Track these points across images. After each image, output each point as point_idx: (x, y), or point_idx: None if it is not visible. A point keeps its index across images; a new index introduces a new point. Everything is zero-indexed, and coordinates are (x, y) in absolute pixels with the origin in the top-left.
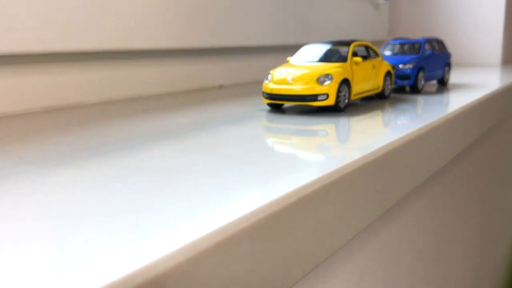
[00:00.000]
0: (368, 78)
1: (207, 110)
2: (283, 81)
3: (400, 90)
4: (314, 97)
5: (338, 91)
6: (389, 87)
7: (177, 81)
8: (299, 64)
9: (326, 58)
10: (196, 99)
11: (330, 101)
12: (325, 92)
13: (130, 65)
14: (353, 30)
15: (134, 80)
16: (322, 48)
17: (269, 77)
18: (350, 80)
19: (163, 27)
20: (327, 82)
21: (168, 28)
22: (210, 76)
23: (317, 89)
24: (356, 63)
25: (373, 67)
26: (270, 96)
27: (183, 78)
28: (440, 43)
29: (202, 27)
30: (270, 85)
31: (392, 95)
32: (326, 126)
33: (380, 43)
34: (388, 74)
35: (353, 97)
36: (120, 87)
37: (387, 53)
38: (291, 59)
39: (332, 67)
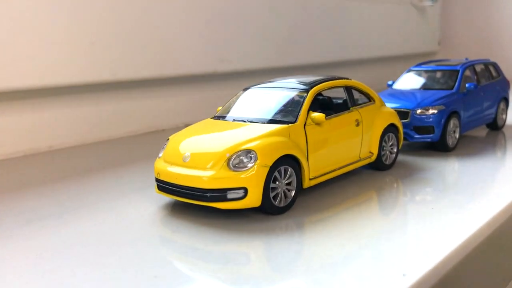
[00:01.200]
0: (344, 143)
1: None
2: (177, 159)
3: (421, 145)
4: (220, 194)
5: (270, 179)
6: (394, 149)
7: None
8: (222, 124)
9: (271, 114)
10: None
11: (251, 201)
12: (240, 185)
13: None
14: (397, 42)
15: None
16: (268, 95)
17: (165, 146)
18: (300, 155)
19: None
20: (243, 167)
21: None
22: None
23: (225, 179)
24: (318, 123)
25: (357, 123)
26: (159, 183)
27: None
28: (491, 67)
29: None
30: (160, 164)
31: (402, 158)
32: (236, 252)
33: (430, 55)
34: (391, 129)
35: (309, 183)
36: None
37: (402, 87)
38: (224, 110)
39: (264, 135)
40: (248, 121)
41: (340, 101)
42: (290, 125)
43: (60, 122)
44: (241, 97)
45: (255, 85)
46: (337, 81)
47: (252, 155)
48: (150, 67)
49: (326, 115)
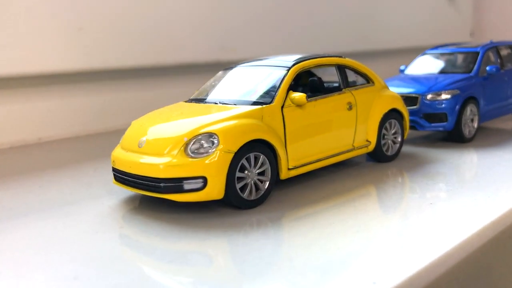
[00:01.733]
0: (333, 129)
1: None
2: (132, 145)
3: (434, 135)
4: (176, 185)
5: (235, 168)
6: (398, 138)
7: None
8: (191, 107)
9: (245, 94)
10: None
11: (212, 193)
12: (199, 173)
13: None
14: (427, 31)
15: None
16: (248, 75)
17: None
18: (275, 141)
19: None
20: (203, 153)
21: None
22: None
23: (180, 167)
24: (299, 105)
25: (349, 106)
26: (115, 172)
27: None
28: None
29: None
30: (116, 151)
31: (410, 149)
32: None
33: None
34: (393, 115)
35: (288, 173)
36: None
37: (415, 72)
38: (200, 92)
39: (230, 117)
40: (220, 103)
41: (333, 85)
42: (264, 106)
43: (51, 113)
44: (219, 77)
45: (237, 64)
46: (325, 58)
47: (214, 140)
48: (148, 55)
49: (312, 97)
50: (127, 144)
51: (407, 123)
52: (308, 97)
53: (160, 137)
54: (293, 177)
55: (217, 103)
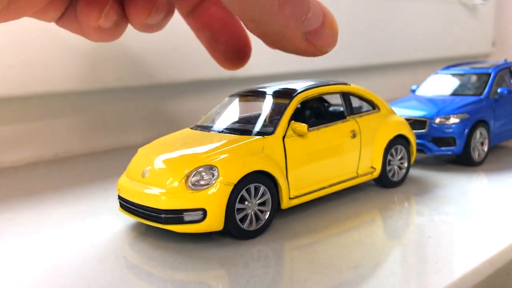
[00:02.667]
0: (336, 157)
1: None
2: (137, 174)
3: (444, 158)
4: (177, 216)
5: (235, 200)
6: (404, 164)
7: None
8: (195, 135)
9: (248, 124)
10: None
11: (212, 224)
12: (199, 205)
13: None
14: (444, 43)
15: None
16: (252, 103)
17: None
18: (276, 172)
19: None
20: (204, 185)
21: None
22: None
23: (181, 199)
24: (300, 135)
25: (353, 134)
26: (120, 200)
27: None
28: None
29: None
30: (122, 179)
31: (419, 173)
32: None
33: (483, 57)
34: (399, 141)
35: (290, 202)
36: None
37: (426, 93)
38: (206, 119)
39: (231, 149)
40: (224, 131)
41: (339, 109)
42: (265, 137)
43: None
44: (225, 104)
45: (241, 91)
46: (329, 87)
47: (214, 172)
48: (165, 72)
49: (315, 125)
50: (132, 173)
51: (413, 149)
52: (312, 123)
53: (162, 168)
54: (299, 206)
55: (221, 132)
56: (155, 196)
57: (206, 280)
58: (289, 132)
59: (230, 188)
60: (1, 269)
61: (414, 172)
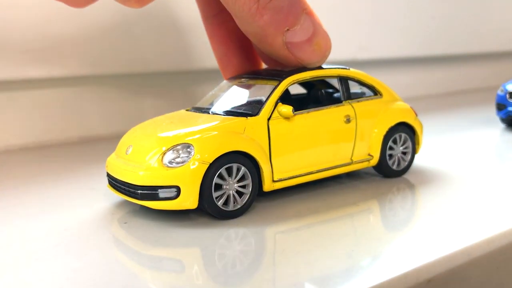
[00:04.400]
0: (327, 142)
1: None
2: (122, 151)
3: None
4: (152, 193)
5: (211, 179)
6: (408, 154)
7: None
8: (185, 116)
9: (233, 105)
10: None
11: (185, 202)
12: (172, 183)
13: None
14: None
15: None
16: (246, 86)
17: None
18: (257, 153)
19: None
20: (179, 163)
21: None
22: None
23: (156, 176)
24: (286, 117)
25: (347, 119)
26: (108, 177)
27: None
28: None
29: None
30: (111, 156)
31: (423, 162)
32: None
33: None
34: (402, 129)
35: (273, 185)
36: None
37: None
38: (203, 101)
39: (210, 128)
40: (212, 113)
41: (337, 94)
42: (248, 118)
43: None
44: (221, 87)
45: (238, 75)
46: (324, 70)
47: (190, 150)
48: None
49: (307, 108)
50: (119, 150)
51: (419, 138)
52: (304, 107)
53: (143, 145)
54: (285, 190)
55: (209, 113)
56: (133, 172)
57: (181, 258)
58: (275, 114)
59: (205, 166)
60: None
61: (423, 162)
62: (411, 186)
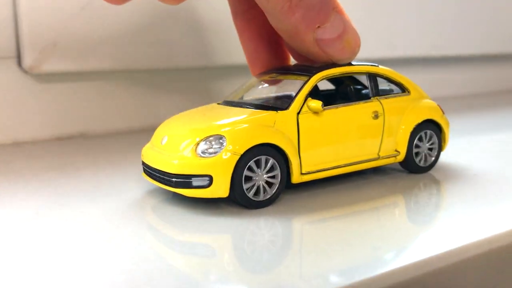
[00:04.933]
0: (355, 137)
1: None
2: (158, 141)
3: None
4: (186, 181)
5: (242, 169)
6: (434, 151)
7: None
8: (217, 109)
9: (265, 99)
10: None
11: (217, 190)
12: (205, 172)
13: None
14: None
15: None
16: (277, 81)
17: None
18: (286, 146)
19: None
20: (212, 153)
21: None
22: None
23: (190, 165)
24: (315, 112)
25: (375, 115)
26: (143, 166)
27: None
28: None
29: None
30: (146, 146)
31: (451, 159)
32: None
33: None
34: (429, 126)
35: (301, 178)
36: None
37: None
38: (233, 95)
39: (242, 120)
40: (244, 106)
41: (365, 91)
42: (278, 112)
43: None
44: (252, 82)
45: (268, 70)
46: (353, 67)
47: (223, 141)
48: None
49: (336, 104)
50: (154, 140)
51: (446, 135)
52: (334, 103)
53: (178, 136)
54: (313, 183)
55: (241, 107)
56: (168, 161)
57: (213, 244)
58: (305, 108)
59: (237, 157)
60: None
61: (450, 159)
62: (436, 182)
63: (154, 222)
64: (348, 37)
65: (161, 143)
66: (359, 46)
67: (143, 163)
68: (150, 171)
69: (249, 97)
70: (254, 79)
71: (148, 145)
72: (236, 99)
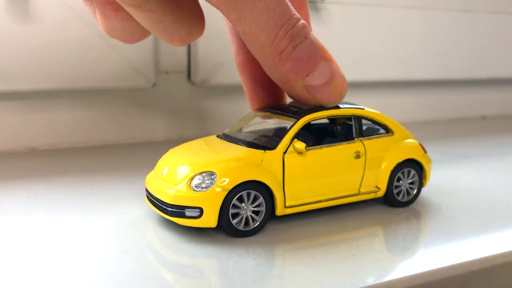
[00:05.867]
0: (336, 175)
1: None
2: (159, 171)
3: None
4: (179, 211)
5: (229, 202)
6: (414, 187)
7: (437, 110)
8: (214, 142)
9: (255, 137)
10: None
11: (207, 221)
12: (197, 204)
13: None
14: None
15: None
16: (269, 119)
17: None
18: (271, 183)
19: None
20: (204, 188)
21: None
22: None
23: (184, 197)
24: (300, 152)
25: (357, 155)
26: (146, 192)
27: (444, 107)
28: None
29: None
30: (149, 173)
31: (431, 193)
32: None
33: None
34: (411, 164)
35: (285, 211)
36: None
37: None
38: (231, 129)
39: (233, 158)
40: (238, 143)
41: (348, 130)
42: (266, 151)
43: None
44: (248, 117)
45: (264, 107)
46: (340, 110)
47: (213, 177)
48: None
49: (322, 144)
50: (157, 170)
51: (426, 173)
52: (317, 143)
53: (176, 169)
54: (296, 214)
55: (236, 143)
56: (166, 191)
57: (202, 267)
58: (290, 149)
59: (225, 193)
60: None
61: (430, 192)
62: (417, 214)
63: (152, 241)
64: (335, 82)
65: (162, 173)
66: (345, 90)
67: (146, 190)
68: (151, 198)
69: (247, 129)
70: (252, 113)
71: (151, 173)
72: (234, 132)
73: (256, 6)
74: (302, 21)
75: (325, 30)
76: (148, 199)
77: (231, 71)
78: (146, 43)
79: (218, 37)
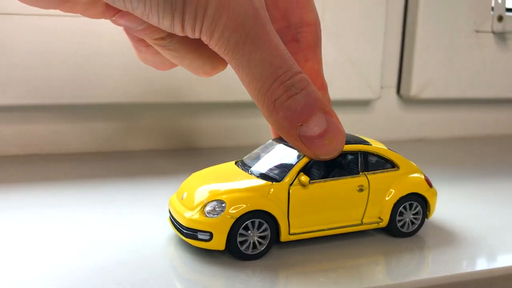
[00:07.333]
0: (339, 207)
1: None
2: (180, 195)
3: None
4: (193, 233)
5: (237, 229)
6: (418, 219)
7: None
8: (230, 170)
9: (266, 169)
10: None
11: (216, 244)
12: (208, 229)
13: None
14: None
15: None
16: (281, 150)
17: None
18: (276, 212)
19: None
20: (215, 214)
21: None
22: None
23: (197, 222)
24: (304, 185)
25: (360, 189)
26: (169, 213)
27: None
28: None
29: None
30: (172, 197)
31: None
32: None
33: None
34: (414, 198)
35: (289, 237)
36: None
37: None
38: (249, 156)
39: (243, 189)
40: (252, 173)
41: (354, 164)
42: (273, 183)
43: None
44: (265, 147)
45: (278, 137)
46: (348, 145)
47: (223, 205)
48: None
49: (326, 177)
50: (178, 193)
51: (431, 206)
52: (322, 176)
53: (193, 195)
54: (300, 241)
55: (249, 172)
56: (183, 215)
57: (210, 285)
58: (296, 181)
59: (233, 220)
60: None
61: (436, 221)
62: (420, 243)
63: (172, 259)
64: (330, 135)
65: (182, 198)
66: (342, 145)
67: (169, 211)
68: (172, 219)
69: (258, 162)
70: (268, 144)
71: (174, 196)
72: (249, 161)
73: (253, 58)
74: (302, 75)
75: None
76: (170, 219)
77: None
78: None
79: None
